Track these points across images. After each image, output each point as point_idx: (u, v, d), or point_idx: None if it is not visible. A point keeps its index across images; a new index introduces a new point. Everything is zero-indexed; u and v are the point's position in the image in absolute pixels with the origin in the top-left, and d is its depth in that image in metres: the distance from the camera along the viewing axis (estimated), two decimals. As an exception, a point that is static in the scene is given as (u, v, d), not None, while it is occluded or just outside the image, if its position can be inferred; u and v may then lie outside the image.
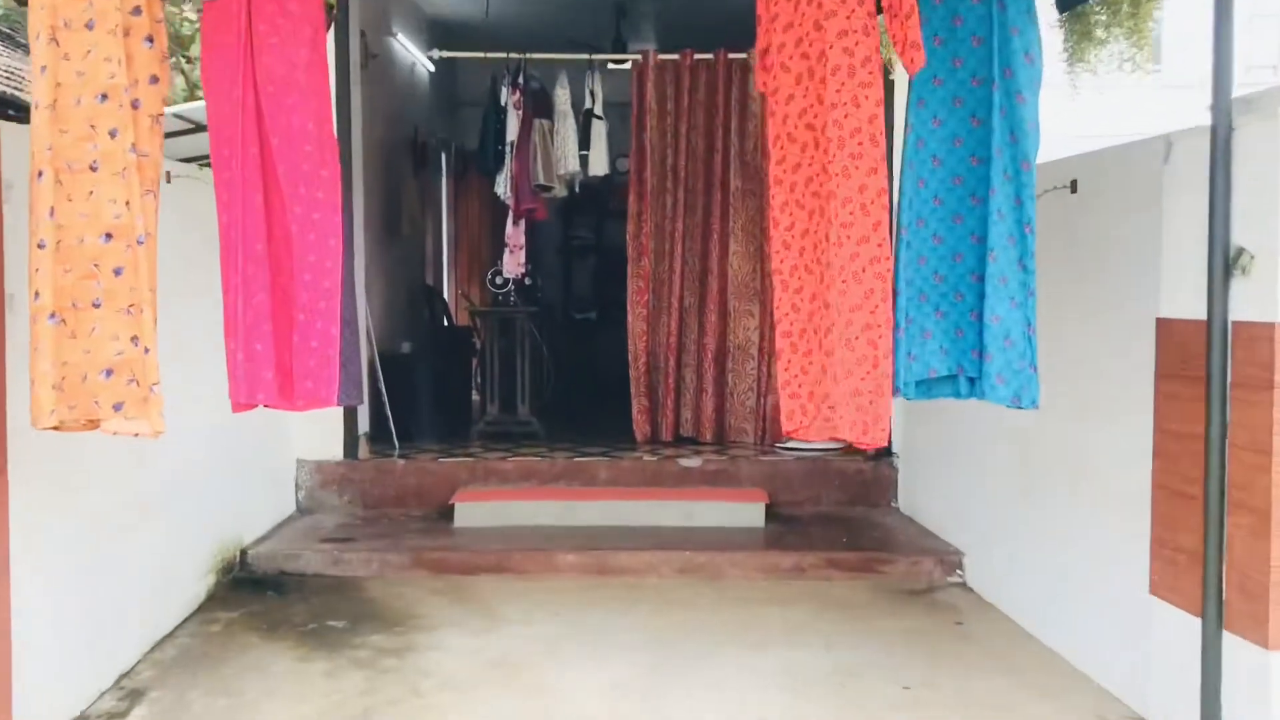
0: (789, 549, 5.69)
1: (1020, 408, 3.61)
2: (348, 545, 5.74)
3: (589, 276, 11.14)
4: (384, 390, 7.09)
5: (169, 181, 4.30)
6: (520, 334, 7.48)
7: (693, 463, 6.61)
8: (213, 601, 5.17)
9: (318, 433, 6.35)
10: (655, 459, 6.75)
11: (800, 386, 3.62)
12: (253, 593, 5.33)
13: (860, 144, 3.22)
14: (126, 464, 4.28)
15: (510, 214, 7.18)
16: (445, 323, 9.00)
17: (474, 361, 8.20)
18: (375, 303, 7.50)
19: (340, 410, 6.41)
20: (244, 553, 5.61)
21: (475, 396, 8.18)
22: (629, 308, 7.27)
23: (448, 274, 10.22)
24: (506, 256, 7.27)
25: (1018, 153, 3.53)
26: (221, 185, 3.46)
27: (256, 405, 3.48)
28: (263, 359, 3.35)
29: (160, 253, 3.18)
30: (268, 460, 6.13)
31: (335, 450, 6.52)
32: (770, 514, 6.20)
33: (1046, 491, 4.65)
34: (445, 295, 9.93)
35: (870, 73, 3.22)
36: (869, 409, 3.31)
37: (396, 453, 6.83)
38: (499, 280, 7.50)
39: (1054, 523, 4.60)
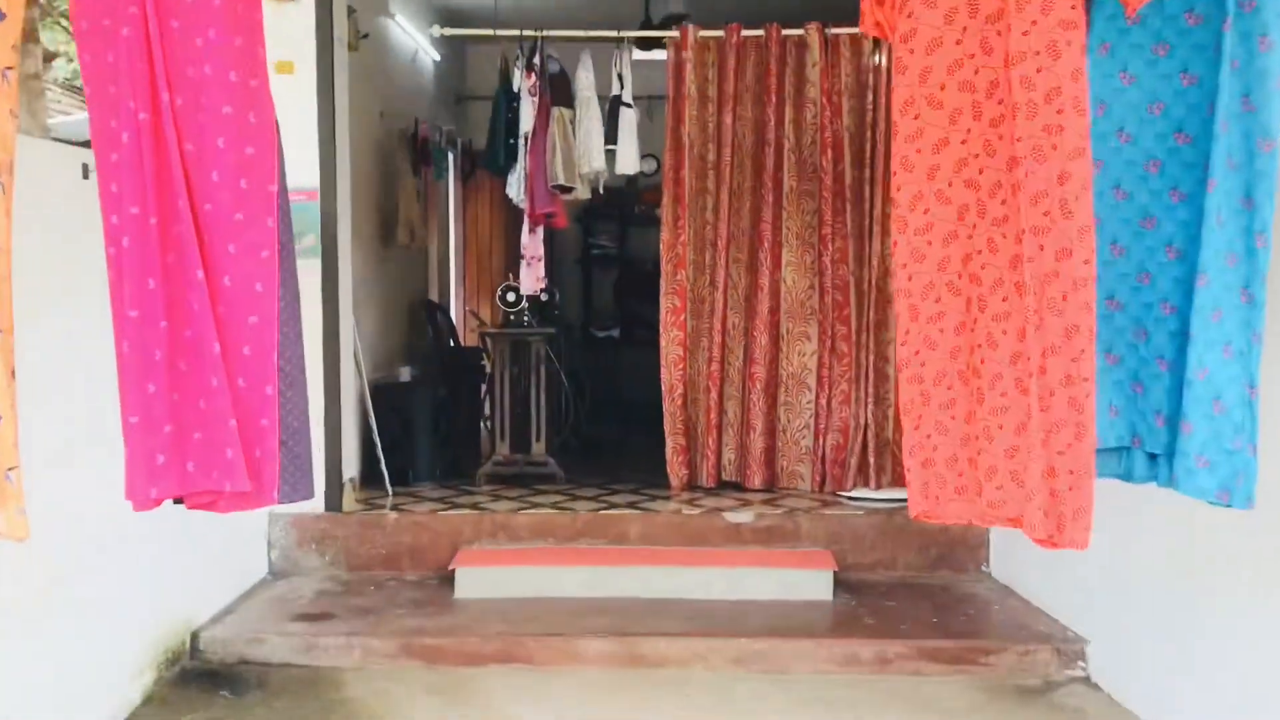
0: (868, 634, 4.59)
1: (1229, 505, 2.54)
2: (324, 624, 4.67)
3: (612, 291, 10.06)
4: (375, 425, 6.02)
5: (87, 178, 3.27)
6: (535, 360, 6.40)
7: (742, 517, 5.51)
8: (149, 707, 4.09)
9: (293, 481, 5.28)
10: (697, 512, 5.66)
11: (937, 451, 2.54)
12: (202, 691, 4.26)
13: (1060, 112, 2.15)
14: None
15: (525, 220, 6.10)
16: (451, 344, 7.94)
17: (483, 389, 7.13)
18: (367, 323, 6.44)
19: (323, 451, 5.35)
20: (196, 636, 4.54)
21: (485, 429, 7.11)
22: (663, 330, 6.18)
23: (455, 288, 9.16)
24: (523, 270, 6.20)
25: (1254, 127, 2.43)
26: (106, 175, 2.39)
27: (160, 503, 2.42)
28: (164, 440, 2.29)
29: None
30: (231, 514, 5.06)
31: (315, 501, 5.44)
32: (839, 581, 5.11)
33: (1223, 573, 3.55)
34: (452, 313, 8.87)
35: (1073, 5, 2.14)
36: (1068, 497, 2.24)
37: (389, 503, 5.76)
38: (510, 297, 6.42)
39: (1232, 618, 3.50)
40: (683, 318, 6.17)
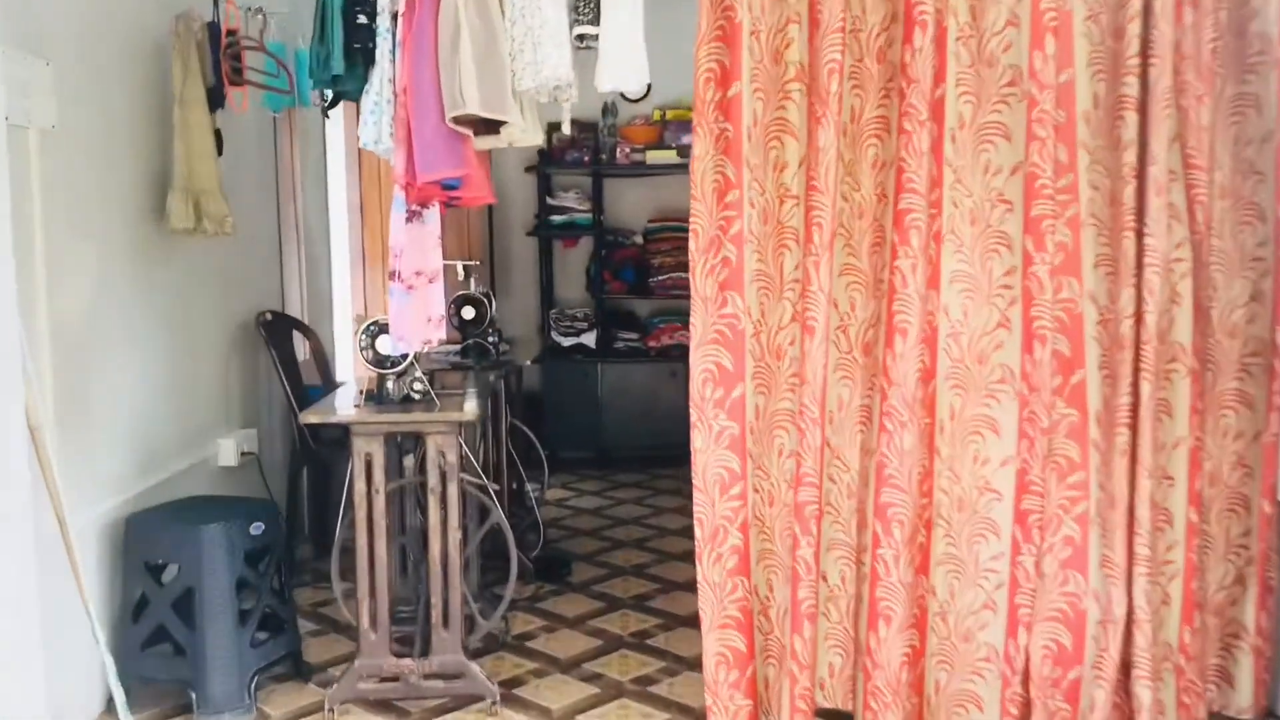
0: None
1: None
2: None
3: (584, 278, 6.82)
4: (91, 616, 2.83)
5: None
6: (439, 469, 3.18)
7: None
8: None
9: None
10: None
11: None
12: None
13: None
14: None
15: (396, 196, 2.86)
16: (316, 384, 4.71)
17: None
18: (117, 380, 3.21)
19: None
20: None
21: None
22: (696, 412, 3.00)
23: (338, 289, 5.84)
24: (395, 301, 2.96)
25: None
26: None
27: None
28: None
29: None
30: None
31: None
32: None
33: None
34: (336, 328, 5.61)
35: None
36: None
37: None
38: (379, 348, 3.20)
39: None
40: (738, 391, 2.98)
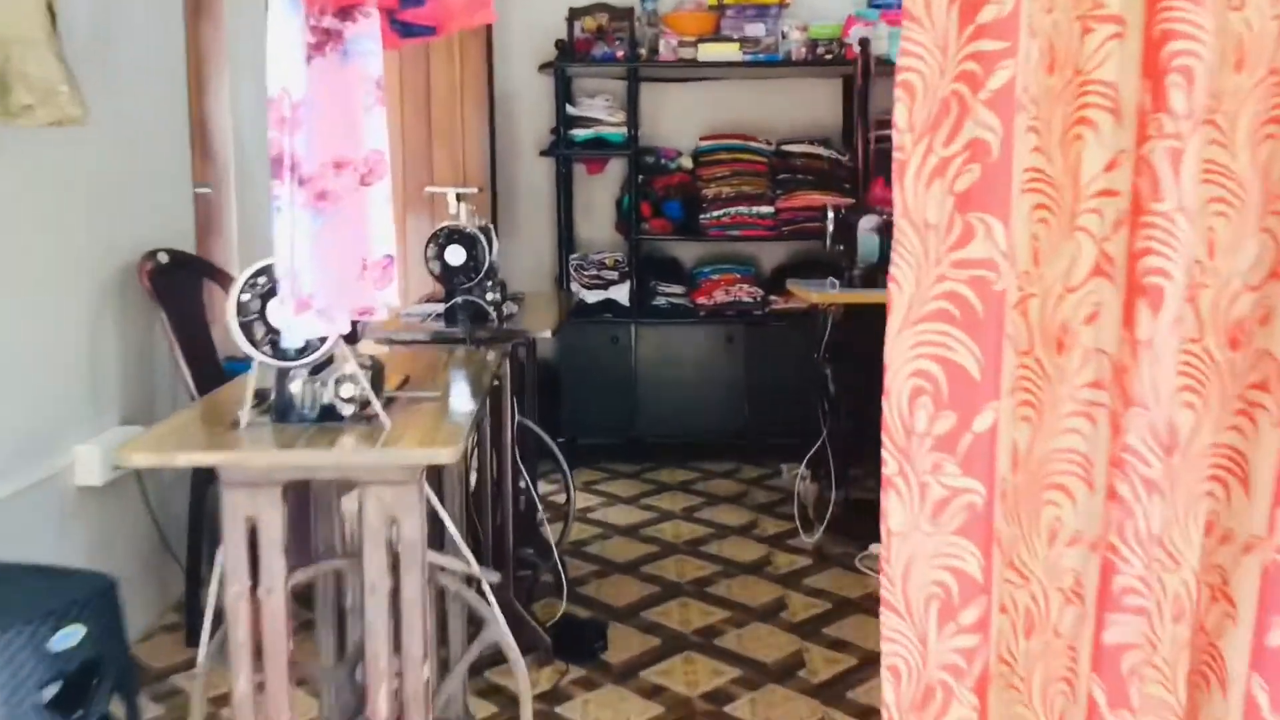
0: None
1: None
2: None
3: (615, 212, 5.28)
4: None
5: None
6: (390, 563, 1.69)
7: None
8: None
9: None
10: None
11: None
12: None
13: None
14: None
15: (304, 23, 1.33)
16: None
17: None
18: None
19: None
20: None
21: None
22: (898, 447, 1.50)
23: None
24: (290, 240, 1.44)
25: None
26: None
27: None
28: None
29: None
30: None
31: None
32: None
33: None
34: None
35: None
36: None
37: None
38: (258, 333, 1.68)
39: None
40: (985, 418, 1.46)
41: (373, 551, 1.70)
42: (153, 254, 3.18)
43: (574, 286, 4.98)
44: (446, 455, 1.62)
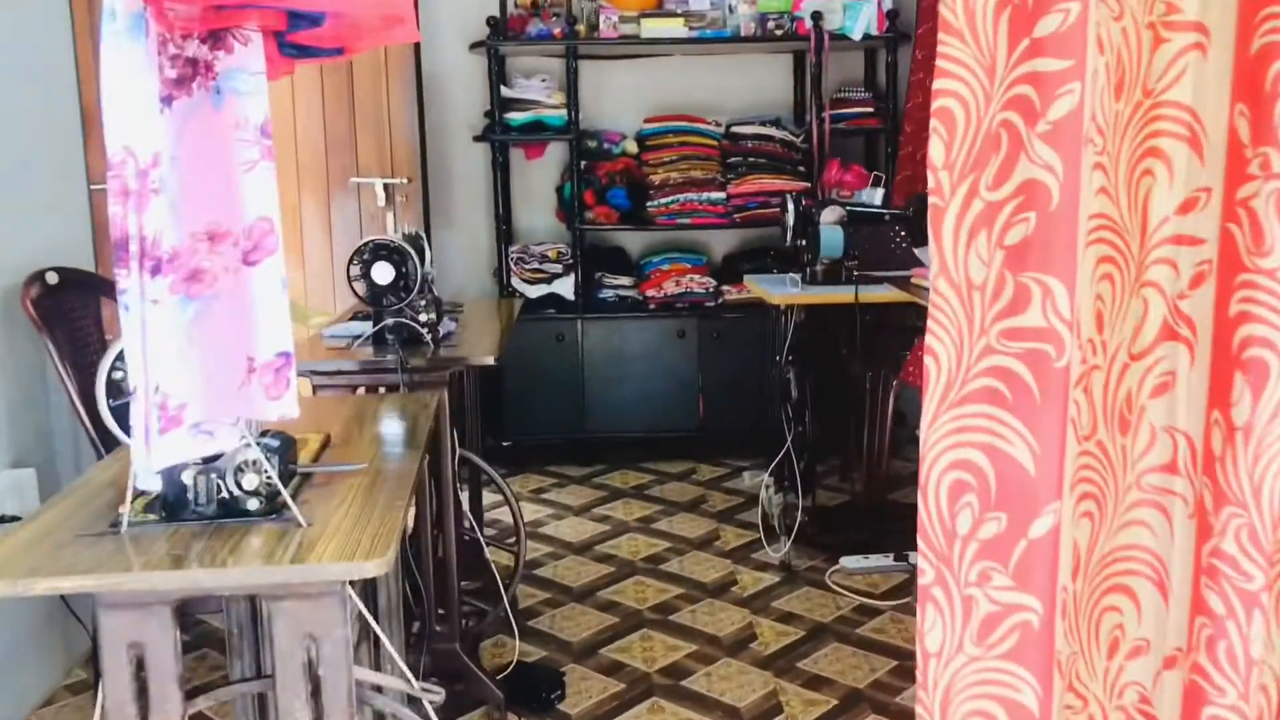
0: None
1: None
2: None
3: (556, 199, 4.94)
4: None
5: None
6: (309, 686, 1.39)
7: None
8: None
9: None
10: None
11: None
12: None
13: None
14: None
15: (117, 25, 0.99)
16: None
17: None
18: None
19: None
20: None
21: None
22: (935, 552, 1.22)
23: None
24: (142, 338, 1.11)
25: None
26: None
27: None
28: None
29: None
30: None
31: None
32: None
33: None
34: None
35: None
36: None
37: None
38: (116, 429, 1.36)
39: None
40: (1045, 522, 1.19)
41: (288, 679, 1.39)
42: (39, 274, 2.80)
43: (515, 281, 4.65)
44: (373, 568, 1.32)
